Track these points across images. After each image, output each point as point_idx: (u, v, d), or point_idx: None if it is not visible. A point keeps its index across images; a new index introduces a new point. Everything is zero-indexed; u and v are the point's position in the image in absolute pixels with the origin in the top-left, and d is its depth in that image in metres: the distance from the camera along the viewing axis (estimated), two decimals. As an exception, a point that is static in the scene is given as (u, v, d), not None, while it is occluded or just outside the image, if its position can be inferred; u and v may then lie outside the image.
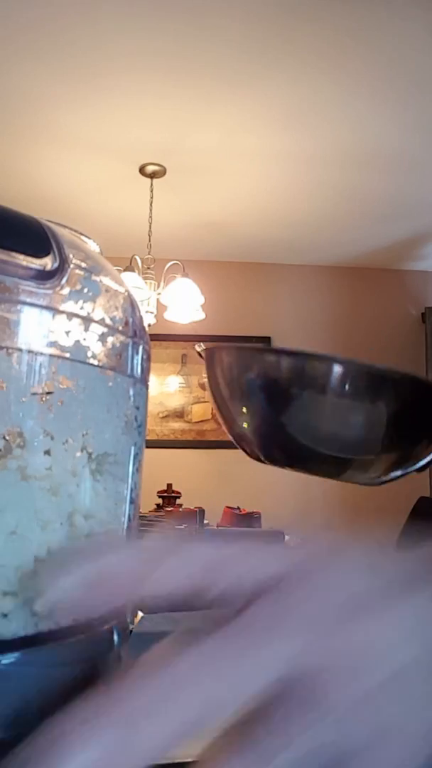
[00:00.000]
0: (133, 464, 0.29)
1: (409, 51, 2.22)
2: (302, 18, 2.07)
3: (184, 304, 2.90)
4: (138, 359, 0.29)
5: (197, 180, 3.13)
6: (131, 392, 0.28)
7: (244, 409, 0.55)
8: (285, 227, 3.67)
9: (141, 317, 0.31)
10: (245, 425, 0.56)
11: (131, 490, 0.29)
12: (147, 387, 0.31)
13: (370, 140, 2.77)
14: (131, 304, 0.30)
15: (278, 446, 0.55)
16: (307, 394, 0.50)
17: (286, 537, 2.72)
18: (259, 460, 0.57)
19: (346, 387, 0.48)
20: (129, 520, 0.30)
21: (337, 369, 0.48)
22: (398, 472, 0.54)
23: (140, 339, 0.30)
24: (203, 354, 0.58)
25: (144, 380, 0.30)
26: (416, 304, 4.22)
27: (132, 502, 0.30)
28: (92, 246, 0.34)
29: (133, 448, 0.29)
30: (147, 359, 0.31)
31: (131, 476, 0.29)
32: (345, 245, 3.92)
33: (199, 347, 0.58)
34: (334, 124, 2.66)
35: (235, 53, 2.25)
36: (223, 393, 0.56)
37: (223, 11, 2.05)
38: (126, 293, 0.30)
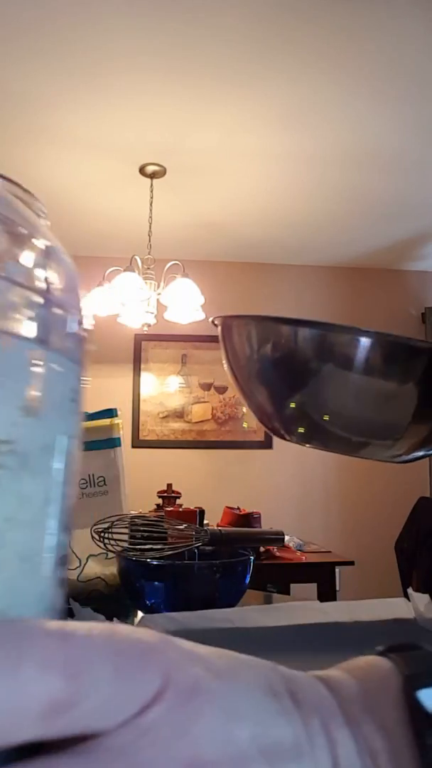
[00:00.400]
0: (57, 458, 0.23)
1: (409, 51, 2.22)
2: (302, 18, 2.07)
3: (184, 304, 2.90)
4: (51, 324, 0.23)
5: (197, 180, 3.13)
6: (36, 364, 0.22)
7: (262, 383, 0.52)
8: (285, 227, 3.68)
9: (72, 279, 0.25)
10: (263, 400, 0.53)
11: (52, 491, 0.22)
12: (79, 365, 0.24)
13: (370, 140, 2.77)
14: (50, 257, 0.25)
15: (297, 422, 0.52)
16: (327, 369, 0.47)
17: (286, 538, 2.73)
18: (278, 434, 0.55)
19: (370, 362, 0.46)
20: (56, 532, 0.23)
21: (362, 341, 0.45)
22: (420, 453, 0.51)
23: (61, 304, 0.23)
24: (219, 324, 0.56)
25: (70, 354, 0.24)
26: (416, 304, 4.23)
27: (56, 508, 0.23)
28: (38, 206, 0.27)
29: (58, 437, 0.23)
30: (80, 332, 0.25)
31: (52, 473, 0.22)
32: (345, 245, 3.92)
33: (215, 318, 0.56)
34: (334, 124, 2.66)
35: (235, 53, 2.25)
36: (240, 366, 0.53)
37: (223, 11, 2.05)
38: (45, 247, 0.25)
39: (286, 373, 0.50)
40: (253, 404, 0.56)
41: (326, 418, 0.50)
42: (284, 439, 0.55)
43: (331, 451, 0.54)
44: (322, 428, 0.51)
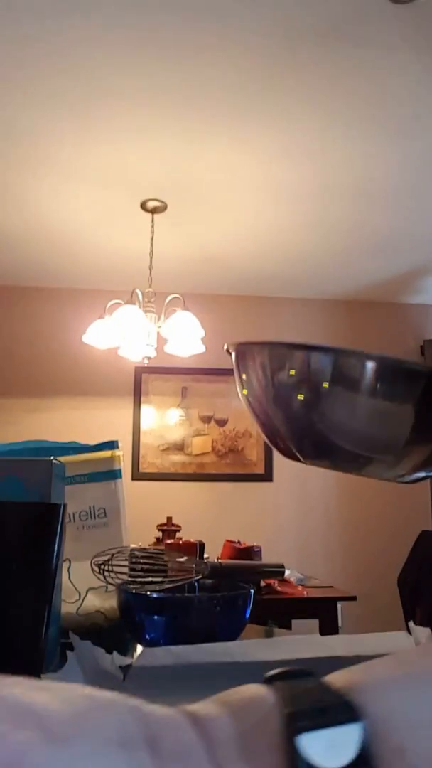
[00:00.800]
0: None
1: (408, 86, 2.27)
2: (301, 55, 2.13)
3: (184, 337, 2.92)
4: None
5: (198, 214, 3.17)
6: None
7: (275, 406, 0.56)
8: (285, 261, 3.72)
9: None
10: (277, 421, 0.57)
11: None
12: None
13: (369, 175, 2.82)
14: None
15: (309, 443, 0.56)
16: (335, 391, 0.51)
17: (287, 572, 2.70)
18: (290, 456, 0.58)
19: (378, 383, 0.49)
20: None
21: (369, 365, 0.49)
22: (422, 474, 0.54)
23: None
24: (233, 351, 0.60)
25: None
26: (415, 336, 4.25)
27: None
28: None
29: None
30: None
31: None
32: (345, 278, 3.96)
33: (230, 345, 0.60)
34: (334, 159, 2.71)
35: (235, 89, 2.30)
36: (254, 390, 0.57)
37: (223, 48, 2.11)
38: None
39: (298, 395, 0.53)
40: (267, 426, 0.59)
41: (336, 436, 0.54)
42: (295, 459, 0.58)
43: (338, 469, 0.57)
44: (331, 446, 0.54)
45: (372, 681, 0.21)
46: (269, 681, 0.22)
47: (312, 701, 0.20)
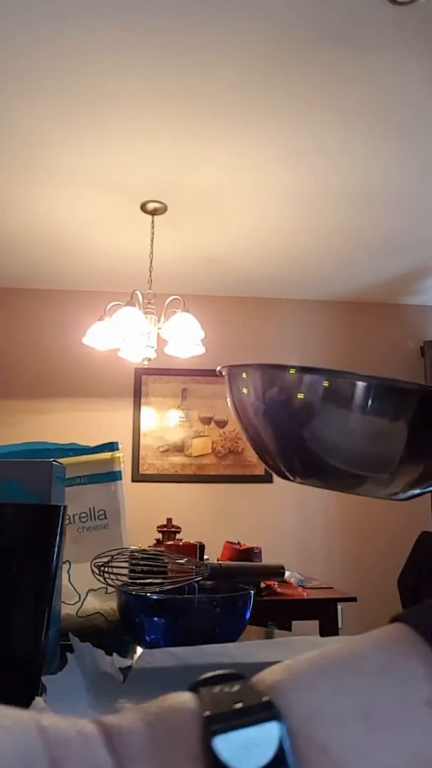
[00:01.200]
0: None
1: (407, 91, 2.27)
2: (302, 59, 2.13)
3: (184, 338, 2.92)
4: None
5: (198, 216, 3.17)
6: None
7: (267, 426, 0.56)
8: (285, 262, 3.72)
9: None
10: (268, 441, 0.57)
11: None
12: None
13: (368, 178, 2.82)
14: None
15: (299, 461, 0.56)
16: (326, 411, 0.51)
17: (287, 573, 2.70)
18: (281, 474, 0.59)
19: (367, 404, 0.49)
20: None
21: (359, 385, 0.49)
22: (416, 491, 0.54)
23: None
24: (225, 373, 0.60)
25: None
26: (415, 337, 4.25)
27: None
28: None
29: None
30: None
31: None
32: (344, 280, 3.96)
33: (222, 368, 0.61)
34: (333, 162, 2.71)
35: (236, 92, 2.30)
36: (246, 410, 0.57)
37: (223, 51, 2.11)
38: None
39: (289, 415, 0.54)
40: (258, 446, 0.60)
41: (327, 455, 0.54)
42: (287, 479, 0.59)
43: (331, 488, 0.57)
44: (323, 465, 0.54)
45: (295, 678, 0.21)
46: (194, 687, 0.21)
47: (231, 703, 0.20)
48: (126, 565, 0.76)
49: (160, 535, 3.08)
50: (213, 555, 2.94)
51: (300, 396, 0.52)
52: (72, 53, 2.10)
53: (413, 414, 0.49)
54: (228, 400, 0.62)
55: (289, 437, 0.55)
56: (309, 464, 0.55)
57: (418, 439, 0.50)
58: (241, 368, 0.58)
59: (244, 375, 0.58)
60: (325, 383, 0.51)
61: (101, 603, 0.77)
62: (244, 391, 0.58)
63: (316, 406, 0.51)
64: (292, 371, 0.53)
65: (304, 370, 0.52)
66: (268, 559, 2.94)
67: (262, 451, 0.59)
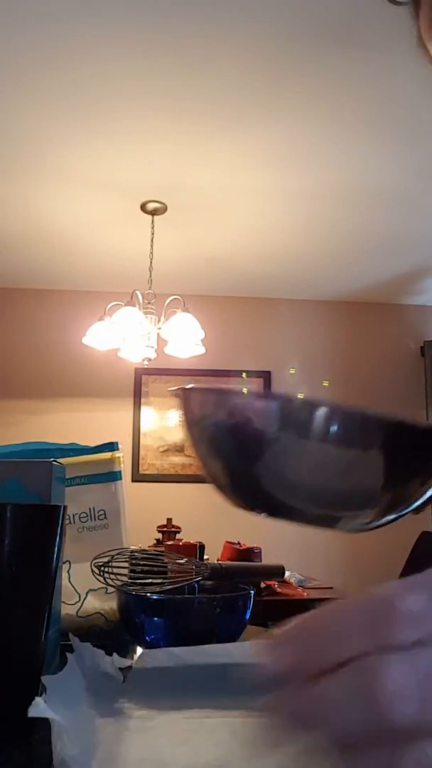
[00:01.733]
0: None
1: (407, 91, 2.27)
2: (301, 60, 2.13)
3: (184, 338, 2.92)
4: None
5: (198, 216, 3.17)
6: None
7: (218, 457, 0.50)
8: (285, 263, 3.72)
9: None
10: (220, 474, 0.51)
11: None
12: None
13: (368, 178, 2.82)
14: None
15: (256, 498, 0.50)
16: (282, 443, 0.44)
17: (287, 573, 2.70)
18: (241, 508, 0.53)
19: (328, 435, 0.43)
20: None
21: (319, 413, 0.42)
22: (392, 516, 0.49)
23: None
24: (178, 396, 0.54)
25: None
26: (415, 337, 4.25)
27: None
28: None
29: None
30: None
31: None
32: (344, 280, 3.96)
33: (173, 388, 0.54)
34: (333, 163, 2.71)
35: (236, 93, 2.30)
36: (195, 438, 0.51)
37: (223, 51, 2.11)
38: None
39: (241, 446, 0.47)
40: (211, 476, 0.53)
41: (287, 490, 0.47)
42: (251, 512, 0.52)
43: (299, 524, 0.50)
44: (285, 503, 0.48)
45: None
46: None
47: None
48: (126, 565, 0.76)
49: (160, 535, 3.08)
50: (213, 555, 2.94)
51: (249, 428, 0.45)
52: (72, 53, 2.10)
53: (384, 442, 0.43)
54: (182, 427, 0.55)
55: (243, 472, 0.48)
56: (267, 504, 0.49)
57: (394, 468, 0.44)
58: (188, 392, 0.51)
59: (191, 400, 0.51)
60: (278, 412, 0.44)
61: (101, 603, 0.77)
62: (190, 418, 0.51)
63: (267, 440, 0.44)
64: (239, 397, 0.46)
65: (253, 395, 0.46)
66: (268, 559, 2.94)
67: (216, 486, 0.53)
